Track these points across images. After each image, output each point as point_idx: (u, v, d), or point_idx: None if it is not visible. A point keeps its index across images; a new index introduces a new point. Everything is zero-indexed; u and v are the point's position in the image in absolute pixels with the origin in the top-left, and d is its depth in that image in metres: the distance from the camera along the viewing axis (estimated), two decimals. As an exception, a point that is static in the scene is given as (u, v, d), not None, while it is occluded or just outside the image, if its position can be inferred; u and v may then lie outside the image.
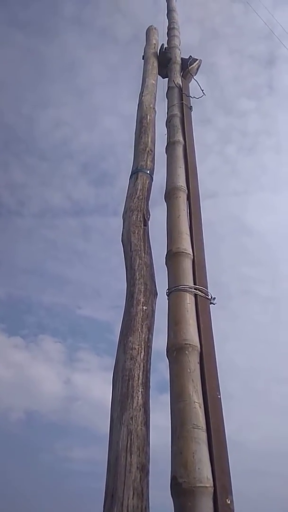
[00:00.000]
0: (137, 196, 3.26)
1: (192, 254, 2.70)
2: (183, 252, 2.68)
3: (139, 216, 3.09)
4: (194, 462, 1.79)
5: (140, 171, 3.47)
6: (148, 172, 3.50)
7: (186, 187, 3.20)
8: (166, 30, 5.93)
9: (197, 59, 5.05)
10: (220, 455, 1.88)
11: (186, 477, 1.76)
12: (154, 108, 4.22)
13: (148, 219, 3.20)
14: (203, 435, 1.89)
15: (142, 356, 2.28)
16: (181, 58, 5.13)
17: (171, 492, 1.79)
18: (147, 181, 3.42)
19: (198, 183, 3.29)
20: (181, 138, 3.68)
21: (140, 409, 2.08)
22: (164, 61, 5.07)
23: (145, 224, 3.08)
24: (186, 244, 2.73)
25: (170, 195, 3.16)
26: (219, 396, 2.09)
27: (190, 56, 5.08)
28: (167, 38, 5.72)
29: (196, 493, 1.72)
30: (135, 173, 3.48)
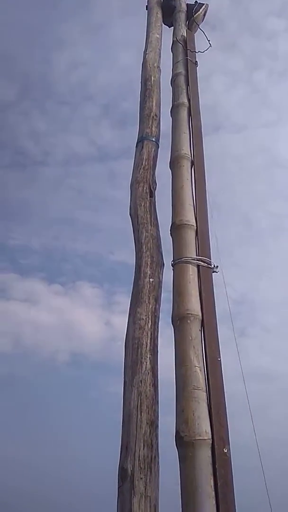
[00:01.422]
0: (143, 166, 3.34)
1: (195, 224, 2.82)
2: (186, 224, 2.81)
3: (145, 188, 3.19)
4: (194, 419, 2.06)
5: (145, 139, 3.51)
6: (153, 139, 3.54)
7: (190, 153, 3.24)
8: None
9: (203, 4, 4.79)
10: (218, 411, 2.14)
11: (187, 432, 2.04)
12: (158, 67, 4.13)
13: (155, 189, 3.30)
14: (203, 395, 2.15)
15: (149, 325, 2.52)
16: (187, 4, 4.88)
17: (175, 444, 2.09)
18: (153, 149, 3.47)
19: (203, 148, 3.32)
20: (185, 100, 3.65)
21: (148, 372, 2.35)
22: (168, 10, 4.84)
23: (151, 195, 3.19)
24: (189, 216, 2.85)
25: (174, 164, 3.23)
26: (219, 359, 2.32)
27: (196, 1, 4.82)
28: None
29: (196, 444, 2.00)
30: (140, 141, 3.52)
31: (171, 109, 3.71)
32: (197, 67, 4.03)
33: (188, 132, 3.39)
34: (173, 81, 3.93)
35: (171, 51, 4.32)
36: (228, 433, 2.11)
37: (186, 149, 3.25)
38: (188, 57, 4.01)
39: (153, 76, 3.98)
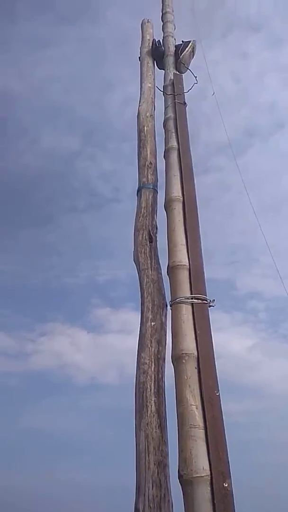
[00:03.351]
0: (141, 214, 3.59)
1: (188, 264, 2.98)
2: (178, 265, 2.97)
3: (144, 235, 3.43)
4: (192, 457, 2.18)
5: (143, 187, 3.78)
6: (151, 186, 3.79)
7: (181, 195, 3.43)
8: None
9: (189, 42, 5.03)
10: (217, 446, 2.23)
11: (186, 470, 2.16)
12: (151, 116, 4.41)
13: (156, 233, 3.52)
14: (200, 433, 2.26)
15: (153, 368, 2.70)
16: (176, 45, 5.15)
17: (179, 482, 2.21)
18: (151, 196, 3.72)
19: (194, 188, 3.48)
20: (175, 143, 3.86)
21: (154, 415, 2.52)
22: (159, 55, 5.15)
23: (151, 240, 3.41)
24: (181, 256, 3.02)
25: (167, 206, 3.43)
26: (217, 394, 2.42)
27: (182, 41, 5.08)
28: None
29: (194, 482, 2.11)
30: (139, 190, 3.79)
31: (164, 153, 3.95)
32: (186, 107, 4.24)
33: (178, 174, 3.59)
34: (165, 125, 4.18)
35: (163, 95, 4.59)
36: (228, 467, 2.19)
37: (176, 191, 3.45)
38: (176, 100, 4.25)
39: (146, 126, 4.27)
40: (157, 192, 3.80)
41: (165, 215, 3.44)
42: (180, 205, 3.37)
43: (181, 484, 2.19)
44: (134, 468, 2.44)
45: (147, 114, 4.39)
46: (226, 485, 2.12)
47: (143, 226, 3.50)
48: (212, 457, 2.19)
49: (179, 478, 2.20)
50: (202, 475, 2.12)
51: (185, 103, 4.27)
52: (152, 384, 2.62)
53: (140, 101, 4.58)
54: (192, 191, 3.46)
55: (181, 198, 3.41)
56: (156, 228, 3.55)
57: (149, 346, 2.79)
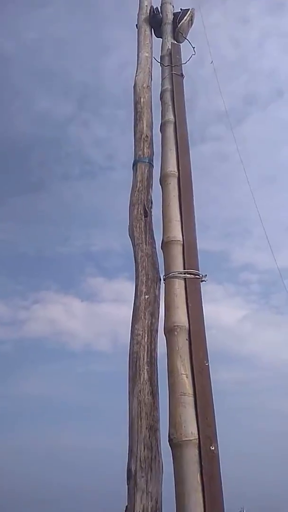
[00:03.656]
0: (137, 188, 3.61)
1: (182, 239, 3.04)
2: (172, 240, 3.04)
3: (139, 210, 3.47)
4: (181, 422, 2.32)
5: (138, 161, 3.78)
6: (146, 160, 3.79)
7: (177, 170, 3.45)
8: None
9: (188, 10, 4.90)
10: (205, 413, 2.36)
11: (175, 434, 2.31)
12: (148, 87, 4.34)
13: (151, 208, 3.56)
14: (189, 400, 2.39)
15: (146, 339, 2.81)
16: (174, 13, 5.01)
17: (169, 445, 2.36)
18: (146, 170, 3.73)
19: (189, 163, 3.50)
20: (171, 116, 3.84)
21: (146, 383, 2.64)
22: (157, 23, 5.01)
23: (146, 215, 3.45)
24: (175, 232, 3.08)
25: (162, 181, 3.46)
26: (206, 364, 2.54)
27: (181, 9, 4.94)
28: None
29: (183, 445, 2.26)
30: (134, 164, 3.80)
31: (160, 127, 3.93)
32: (184, 79, 4.18)
33: (174, 149, 3.59)
34: (161, 98, 4.13)
35: (160, 66, 4.51)
36: (215, 432, 2.34)
37: (172, 166, 3.46)
38: (173, 72, 4.18)
39: (143, 98, 4.21)
40: (153, 166, 3.81)
41: (161, 189, 3.47)
42: (175, 180, 3.39)
43: (171, 447, 2.33)
44: (126, 432, 2.58)
45: (144, 85, 4.32)
46: (213, 448, 2.27)
47: (139, 200, 3.53)
48: (200, 423, 2.32)
49: (169, 442, 2.35)
50: (191, 438, 2.27)
51: (182, 75, 4.21)
52: (145, 354, 2.74)
53: (136, 71, 4.49)
54: (187, 167, 3.48)
55: (177, 174, 3.43)
56: (151, 203, 3.59)
57: (142, 318, 2.88)
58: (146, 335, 2.82)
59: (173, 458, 2.30)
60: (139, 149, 3.86)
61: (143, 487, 2.29)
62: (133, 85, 4.43)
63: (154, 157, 3.91)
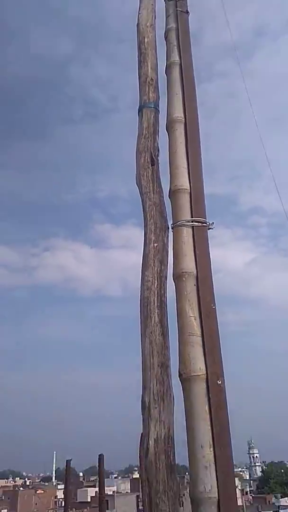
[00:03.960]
0: (143, 135, 3.59)
1: (189, 187, 3.08)
2: (179, 189, 3.08)
3: (146, 158, 3.47)
4: (190, 360, 2.51)
5: (144, 107, 3.71)
6: (152, 105, 3.72)
7: (183, 115, 3.40)
8: None
9: None
10: (213, 351, 2.55)
11: (185, 370, 2.51)
12: (152, 25, 4.14)
13: (157, 156, 3.55)
14: (197, 339, 2.57)
15: (156, 285, 2.94)
16: None
17: (180, 380, 2.57)
18: (152, 115, 3.67)
19: (196, 108, 3.43)
20: (177, 58, 3.71)
21: (157, 325, 2.82)
22: None
23: (153, 163, 3.46)
24: (182, 180, 3.11)
25: (168, 128, 3.42)
26: (213, 307, 2.69)
27: None
28: None
29: (192, 380, 2.47)
30: (140, 110, 3.73)
31: (165, 69, 3.81)
32: (189, 15, 3.98)
33: (180, 93, 3.51)
34: (166, 37, 3.96)
35: (164, 1, 4.27)
36: (222, 368, 2.53)
37: (178, 111, 3.41)
38: (178, 8, 3.97)
39: (147, 37, 4.04)
40: (159, 111, 3.74)
41: (167, 136, 3.45)
42: (182, 126, 3.36)
43: (181, 382, 2.55)
44: (136, 370, 2.80)
45: (147, 23, 4.13)
46: (220, 383, 2.47)
47: (145, 148, 3.52)
48: (208, 360, 2.51)
49: (179, 377, 2.56)
50: (199, 374, 2.47)
51: (187, 12, 3.99)
52: (155, 299, 2.89)
53: (139, 9, 4.26)
54: (194, 112, 3.42)
55: (183, 119, 3.38)
56: (158, 151, 3.58)
57: (152, 265, 3.01)
58: (155, 281, 2.95)
59: (183, 392, 2.52)
60: (144, 93, 3.78)
61: (157, 416, 2.53)
62: (136, 23, 4.24)
63: (160, 100, 3.83)
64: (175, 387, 2.67)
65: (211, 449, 2.27)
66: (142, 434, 2.44)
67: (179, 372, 2.56)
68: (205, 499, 2.17)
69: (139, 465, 2.26)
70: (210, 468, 2.23)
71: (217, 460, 2.24)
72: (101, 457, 1.93)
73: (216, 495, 2.17)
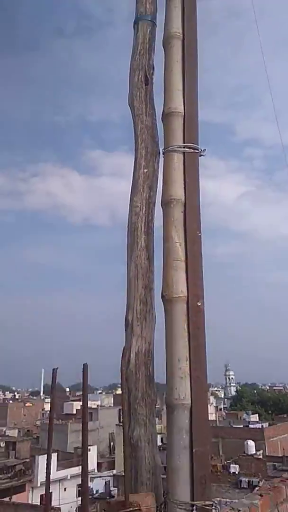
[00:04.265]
0: (138, 51, 3.39)
1: (183, 111, 2.98)
2: (173, 111, 2.98)
3: (140, 76, 3.31)
4: (172, 282, 2.62)
5: (140, 19, 3.46)
6: (149, 18, 3.47)
7: (182, 31, 3.19)
8: None
9: None
10: (194, 275, 2.65)
11: (167, 292, 2.63)
12: None
13: (152, 74, 3.39)
14: (181, 264, 2.66)
15: (144, 211, 2.97)
16: None
17: (162, 301, 2.70)
18: (148, 30, 3.44)
19: (196, 24, 3.21)
20: None
21: (143, 249, 2.89)
22: None
23: (147, 83, 3.31)
24: (177, 102, 3.00)
25: (165, 43, 3.22)
26: (199, 234, 2.76)
27: None
28: None
29: (173, 301, 2.59)
30: (136, 22, 3.48)
31: (165, -23, 3.48)
32: None
33: (180, 6, 3.26)
34: None
35: None
36: (202, 292, 2.66)
37: (177, 26, 3.19)
38: None
39: None
40: (156, 25, 3.50)
41: (163, 52, 3.26)
42: (180, 43, 3.16)
43: (163, 302, 2.68)
44: (122, 295, 2.92)
45: None
46: (199, 304, 2.61)
47: (139, 66, 3.34)
48: (190, 283, 2.63)
49: (162, 298, 2.68)
50: (180, 296, 2.59)
51: None
52: (143, 224, 2.94)
53: None
54: (193, 28, 3.20)
55: (181, 36, 3.18)
56: (153, 69, 3.40)
57: (141, 191, 3.01)
58: (144, 207, 2.98)
59: (165, 312, 2.66)
60: (141, 5, 3.50)
61: (139, 333, 2.71)
62: None
63: (158, 13, 3.57)
64: (158, 308, 2.82)
65: (187, 362, 2.46)
66: (124, 347, 2.61)
67: (161, 293, 2.68)
68: (179, 405, 2.40)
69: (120, 376, 2.46)
70: (185, 379, 2.43)
71: (192, 372, 2.44)
72: (85, 367, 2.09)
73: (189, 402, 2.40)
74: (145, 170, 3.05)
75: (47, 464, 2.11)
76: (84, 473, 2.21)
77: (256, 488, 4.68)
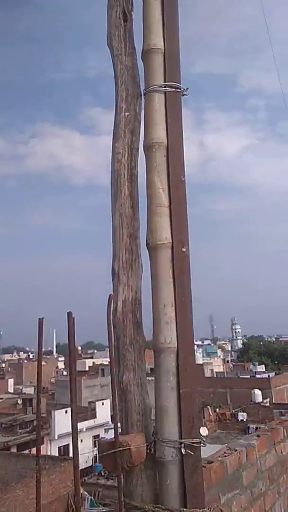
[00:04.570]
0: (116, -15, 3.15)
1: (163, 48, 2.81)
2: (153, 48, 2.81)
3: (118, 13, 3.10)
4: (156, 229, 2.57)
5: None
6: None
7: None
8: None
9: None
10: (178, 220, 2.60)
11: (151, 239, 2.59)
12: None
13: (131, 10, 3.17)
14: (165, 210, 2.60)
15: (126, 157, 2.87)
16: None
17: (147, 249, 2.66)
18: None
19: None
20: None
21: (127, 198, 2.82)
22: None
23: (126, 19, 3.10)
24: (157, 39, 2.82)
25: (144, -24, 2.99)
26: (183, 179, 2.67)
27: None
28: None
29: (157, 247, 2.56)
30: None
31: None
32: None
33: None
34: None
35: None
36: (187, 237, 2.61)
37: None
38: None
39: None
40: None
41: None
42: (158, -28, 2.93)
43: (148, 250, 2.64)
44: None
45: None
46: (184, 250, 2.57)
47: (117, 1, 3.12)
48: (174, 230, 2.58)
49: (146, 246, 2.65)
50: (164, 242, 2.55)
51: None
52: (126, 172, 2.84)
53: None
54: None
55: None
56: (132, 4, 3.18)
57: (122, 136, 2.89)
58: (126, 153, 2.87)
59: (150, 259, 2.63)
60: None
61: (125, 281, 2.69)
62: None
63: None
64: (146, 258, 2.78)
65: (173, 308, 2.46)
66: (110, 295, 2.60)
67: (146, 241, 2.64)
68: (165, 348, 2.42)
69: (106, 324, 2.46)
70: (171, 324, 2.44)
71: (178, 317, 2.44)
72: (69, 315, 2.08)
73: (176, 345, 2.41)
74: (126, 114, 2.92)
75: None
76: (74, 416, 2.26)
77: (255, 431, 4.82)
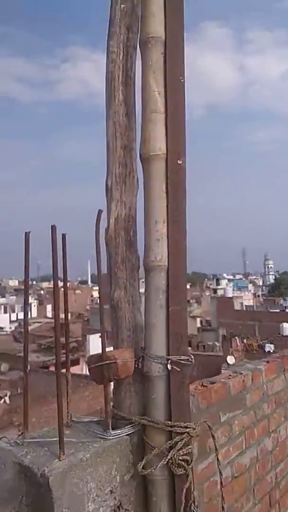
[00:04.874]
0: None
1: None
2: None
3: None
4: (150, 138, 2.34)
5: None
6: None
7: None
8: None
9: None
10: (175, 129, 2.35)
11: (144, 150, 2.37)
12: None
13: None
14: (161, 117, 2.34)
15: (121, 57, 2.57)
16: None
17: (140, 161, 2.46)
18: None
19: None
20: None
21: (121, 104, 2.56)
22: None
23: None
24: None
25: None
26: (182, 80, 2.38)
27: None
28: None
29: (150, 159, 2.35)
30: None
31: None
32: None
33: None
34: None
35: None
36: (184, 148, 2.37)
37: None
38: None
39: None
40: None
41: None
42: None
43: (141, 162, 2.44)
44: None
45: None
46: (180, 162, 2.35)
47: None
48: (170, 140, 2.34)
49: (140, 157, 2.44)
50: (159, 153, 2.33)
51: None
52: (121, 73, 2.56)
53: None
54: None
55: None
56: None
57: (118, 32, 2.56)
58: (121, 52, 2.56)
59: (143, 172, 2.43)
60: None
61: (118, 197, 2.53)
62: None
63: None
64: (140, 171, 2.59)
65: (165, 224, 2.30)
66: (99, 210, 2.46)
67: (139, 152, 2.43)
68: (156, 266, 2.31)
69: (95, 242, 2.33)
70: (162, 241, 2.30)
71: (169, 234, 2.30)
72: (53, 228, 2.01)
73: (166, 263, 2.30)
74: (122, 6, 2.56)
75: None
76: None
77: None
